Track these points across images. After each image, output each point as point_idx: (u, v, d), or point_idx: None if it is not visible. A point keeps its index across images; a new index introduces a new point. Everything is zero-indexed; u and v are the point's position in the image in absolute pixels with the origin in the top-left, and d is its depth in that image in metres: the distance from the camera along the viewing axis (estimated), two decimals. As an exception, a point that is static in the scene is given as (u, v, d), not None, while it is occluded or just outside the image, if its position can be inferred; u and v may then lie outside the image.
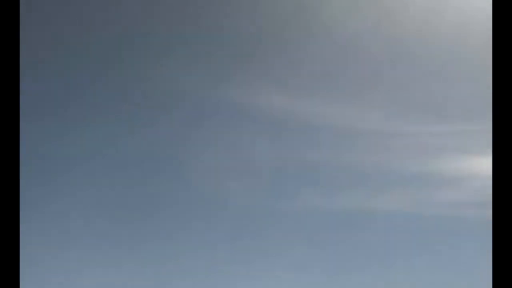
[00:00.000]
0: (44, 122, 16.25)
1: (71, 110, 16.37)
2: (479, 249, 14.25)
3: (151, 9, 15.91)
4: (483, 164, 14.92)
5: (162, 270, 15.29)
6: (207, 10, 15.83)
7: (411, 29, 15.59)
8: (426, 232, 15.32)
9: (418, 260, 14.97)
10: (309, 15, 15.71)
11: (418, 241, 15.31)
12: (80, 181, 16.15)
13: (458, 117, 15.82)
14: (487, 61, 13.83)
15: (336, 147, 16.07)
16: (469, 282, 14.03)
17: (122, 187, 16.19)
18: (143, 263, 15.27)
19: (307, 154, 16.08)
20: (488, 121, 8.96)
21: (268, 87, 15.91)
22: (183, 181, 16.27)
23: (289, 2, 15.86)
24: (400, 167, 15.71)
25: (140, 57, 16.29)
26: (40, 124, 16.13)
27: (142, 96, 16.53)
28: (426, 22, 15.49)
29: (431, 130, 15.94)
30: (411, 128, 15.97)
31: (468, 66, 15.59)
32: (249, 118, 16.13)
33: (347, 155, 16.04)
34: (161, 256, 15.47)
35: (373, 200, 15.59)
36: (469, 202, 15.03)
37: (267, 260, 15.32)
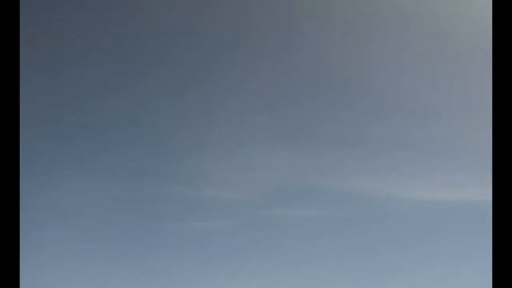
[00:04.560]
0: (47, 122, 16.33)
1: (74, 111, 16.48)
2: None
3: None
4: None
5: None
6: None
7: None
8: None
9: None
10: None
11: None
12: (81, 181, 16.23)
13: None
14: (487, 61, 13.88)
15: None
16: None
17: (121, 188, 16.29)
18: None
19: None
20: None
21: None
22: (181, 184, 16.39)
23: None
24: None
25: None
26: (42, 123, 16.22)
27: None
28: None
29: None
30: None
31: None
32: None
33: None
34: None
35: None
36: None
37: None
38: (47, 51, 15.96)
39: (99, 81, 16.38)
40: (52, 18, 15.72)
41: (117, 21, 15.92)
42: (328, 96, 16.38)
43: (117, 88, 16.47)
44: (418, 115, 16.12)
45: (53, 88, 16.28)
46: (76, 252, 15.34)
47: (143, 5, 15.87)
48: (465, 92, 15.79)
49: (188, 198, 16.05)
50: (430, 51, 15.88)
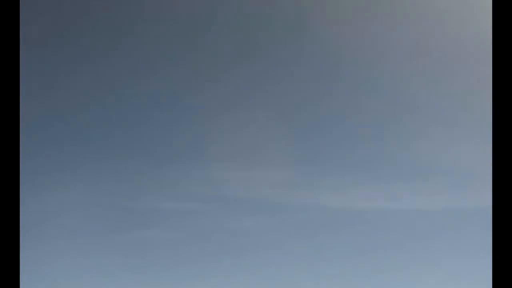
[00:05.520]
0: (46, 123, 16.34)
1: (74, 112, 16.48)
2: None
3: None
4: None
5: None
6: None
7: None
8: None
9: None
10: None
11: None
12: (79, 182, 16.23)
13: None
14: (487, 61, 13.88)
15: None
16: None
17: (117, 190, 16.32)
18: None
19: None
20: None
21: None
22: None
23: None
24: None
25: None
26: (42, 123, 16.24)
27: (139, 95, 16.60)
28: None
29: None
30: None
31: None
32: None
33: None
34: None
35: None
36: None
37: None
38: (47, 51, 15.97)
39: (99, 82, 16.40)
40: (52, 18, 15.73)
41: (118, 21, 15.93)
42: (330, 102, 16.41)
43: (118, 88, 16.49)
44: (400, 135, 16.20)
45: (53, 88, 16.31)
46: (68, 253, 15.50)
47: (145, 5, 15.87)
48: (462, 98, 15.85)
49: (160, 207, 16.14)
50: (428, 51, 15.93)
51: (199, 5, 15.86)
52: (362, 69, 15.85)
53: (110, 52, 16.19)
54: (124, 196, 16.15)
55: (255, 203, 16.00)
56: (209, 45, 16.16)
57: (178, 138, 16.57)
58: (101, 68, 16.30)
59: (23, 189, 13.19)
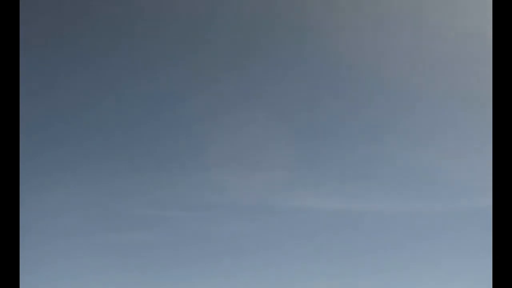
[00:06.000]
0: (46, 123, 16.34)
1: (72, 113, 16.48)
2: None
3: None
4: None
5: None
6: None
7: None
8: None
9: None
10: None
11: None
12: (79, 182, 16.23)
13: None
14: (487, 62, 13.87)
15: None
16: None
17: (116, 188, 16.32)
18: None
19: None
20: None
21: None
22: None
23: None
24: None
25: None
26: (42, 123, 16.22)
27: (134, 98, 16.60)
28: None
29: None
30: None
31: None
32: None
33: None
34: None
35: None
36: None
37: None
38: (47, 51, 15.96)
39: (99, 82, 16.39)
40: (52, 18, 15.73)
41: (118, 21, 15.92)
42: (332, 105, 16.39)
43: (118, 88, 16.49)
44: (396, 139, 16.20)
45: (53, 88, 16.31)
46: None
47: (145, 5, 15.87)
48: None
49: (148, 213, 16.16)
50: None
51: (199, 5, 15.86)
52: (362, 69, 15.84)
53: (110, 52, 16.19)
54: (124, 196, 16.16)
55: (255, 204, 16.00)
56: (209, 45, 16.14)
57: (178, 139, 16.56)
58: (101, 68, 16.30)
59: (23, 189, 13.18)
